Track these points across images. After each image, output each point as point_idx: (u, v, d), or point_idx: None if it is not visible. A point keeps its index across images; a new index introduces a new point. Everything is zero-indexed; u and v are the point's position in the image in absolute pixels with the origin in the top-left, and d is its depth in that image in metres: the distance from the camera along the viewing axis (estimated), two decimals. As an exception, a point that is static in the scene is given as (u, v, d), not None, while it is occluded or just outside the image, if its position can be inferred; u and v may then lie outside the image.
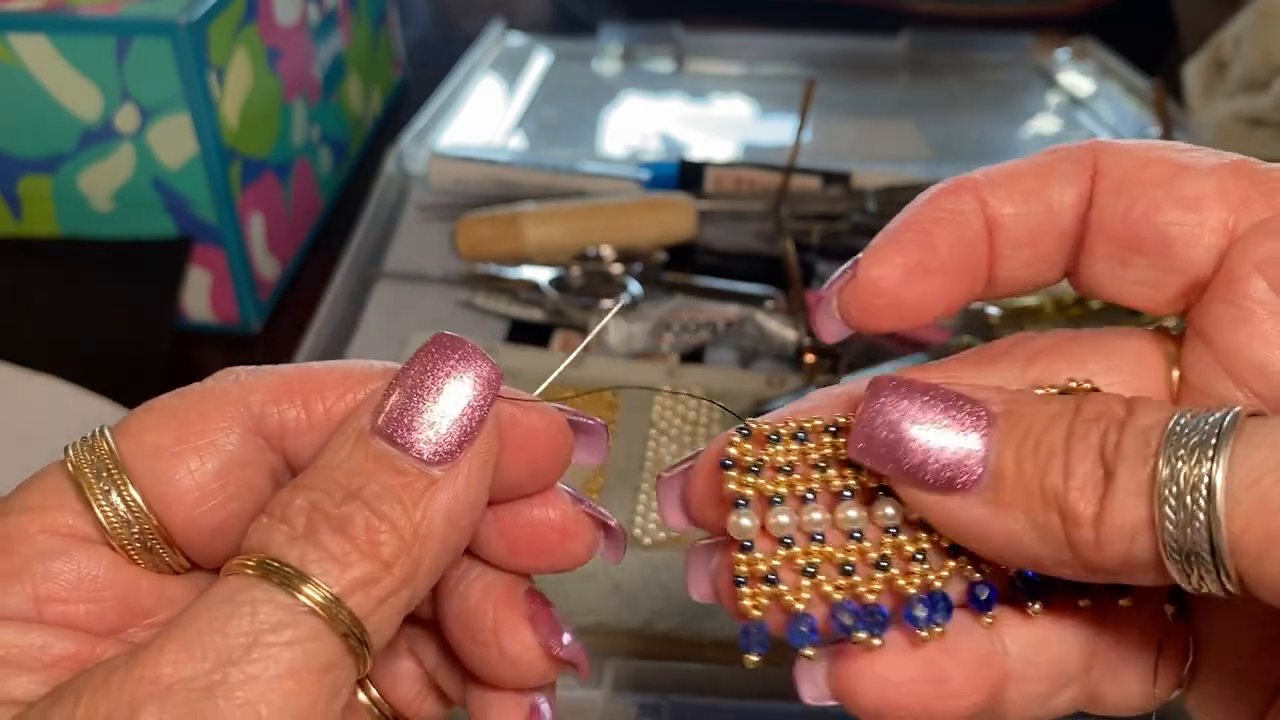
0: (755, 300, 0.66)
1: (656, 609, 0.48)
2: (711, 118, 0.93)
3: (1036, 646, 0.25)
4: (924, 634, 0.23)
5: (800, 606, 0.24)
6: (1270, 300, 0.23)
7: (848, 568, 0.24)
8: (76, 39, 0.59)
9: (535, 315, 0.66)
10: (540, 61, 0.99)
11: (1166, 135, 0.75)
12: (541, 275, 0.67)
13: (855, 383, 0.26)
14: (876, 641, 0.23)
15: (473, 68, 0.94)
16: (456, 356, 0.24)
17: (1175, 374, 0.25)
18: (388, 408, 0.24)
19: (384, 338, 0.66)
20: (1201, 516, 0.20)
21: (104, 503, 0.24)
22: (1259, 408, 0.22)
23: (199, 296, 0.67)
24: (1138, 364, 0.25)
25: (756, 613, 0.24)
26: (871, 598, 0.24)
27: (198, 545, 0.25)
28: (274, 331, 0.69)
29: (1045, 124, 0.92)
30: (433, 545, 0.23)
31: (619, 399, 0.60)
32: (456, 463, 0.23)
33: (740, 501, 0.24)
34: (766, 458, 0.25)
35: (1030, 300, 0.62)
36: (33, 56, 0.59)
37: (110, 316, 0.64)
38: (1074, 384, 0.24)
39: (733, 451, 0.25)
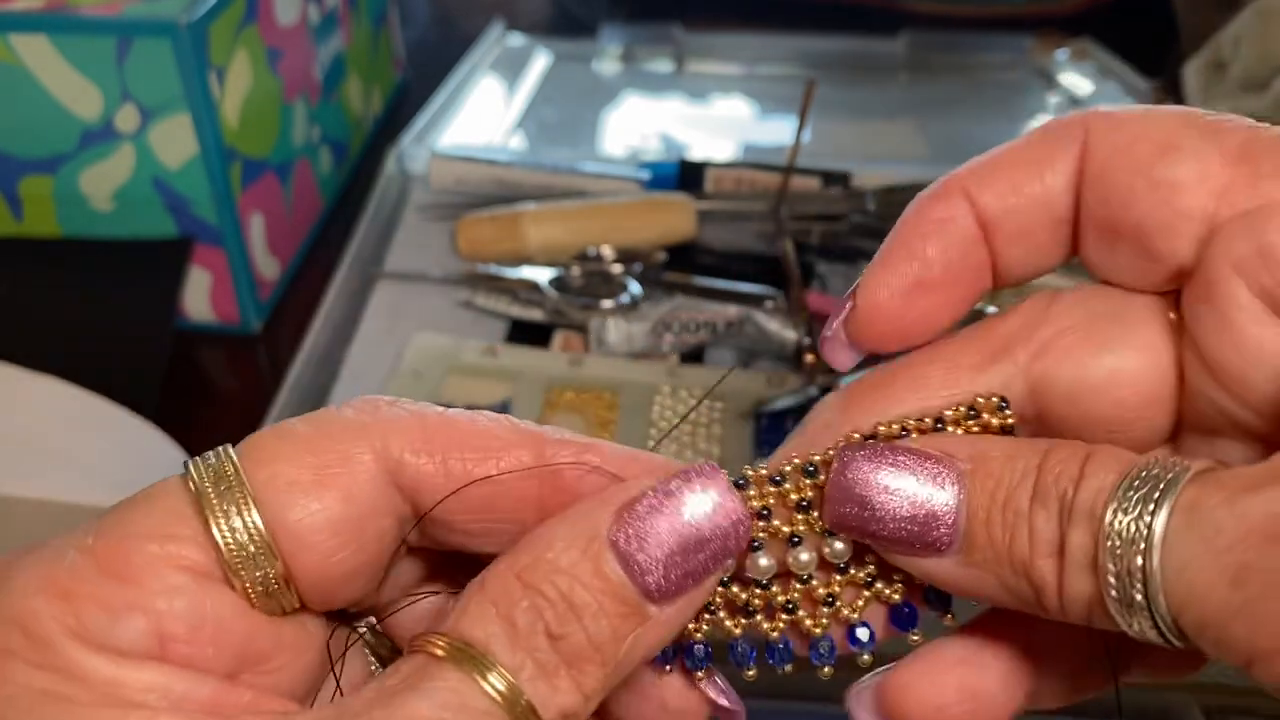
0: (755, 300, 0.66)
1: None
2: (711, 118, 0.93)
3: (1055, 653, 0.25)
4: (865, 657, 0.25)
5: (700, 635, 0.25)
6: (1251, 306, 0.22)
7: (789, 605, 0.25)
8: (77, 39, 0.59)
9: (535, 315, 0.66)
10: (540, 62, 0.99)
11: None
12: (541, 275, 0.67)
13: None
14: (751, 674, 0.25)
15: (473, 68, 0.94)
16: (715, 497, 0.23)
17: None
18: (632, 525, 0.22)
19: (384, 338, 0.66)
20: (1140, 571, 0.20)
21: (225, 530, 0.22)
22: (1209, 464, 0.21)
23: (199, 296, 0.67)
24: (1147, 348, 0.24)
25: (698, 635, 0.25)
26: (774, 634, 0.25)
27: (319, 589, 0.23)
28: (274, 331, 0.69)
29: (1045, 124, 0.92)
30: (623, 674, 0.23)
31: (619, 399, 0.60)
32: (673, 603, 0.23)
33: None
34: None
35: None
36: (33, 56, 0.59)
37: (110, 316, 0.64)
38: (981, 400, 0.24)
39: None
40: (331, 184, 0.81)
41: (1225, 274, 0.22)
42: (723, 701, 0.26)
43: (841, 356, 0.26)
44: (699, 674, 0.25)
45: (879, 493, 0.23)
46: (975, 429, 0.24)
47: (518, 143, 0.89)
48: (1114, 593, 0.20)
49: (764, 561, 0.25)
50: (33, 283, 0.65)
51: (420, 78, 0.99)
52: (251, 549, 0.22)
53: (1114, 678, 0.25)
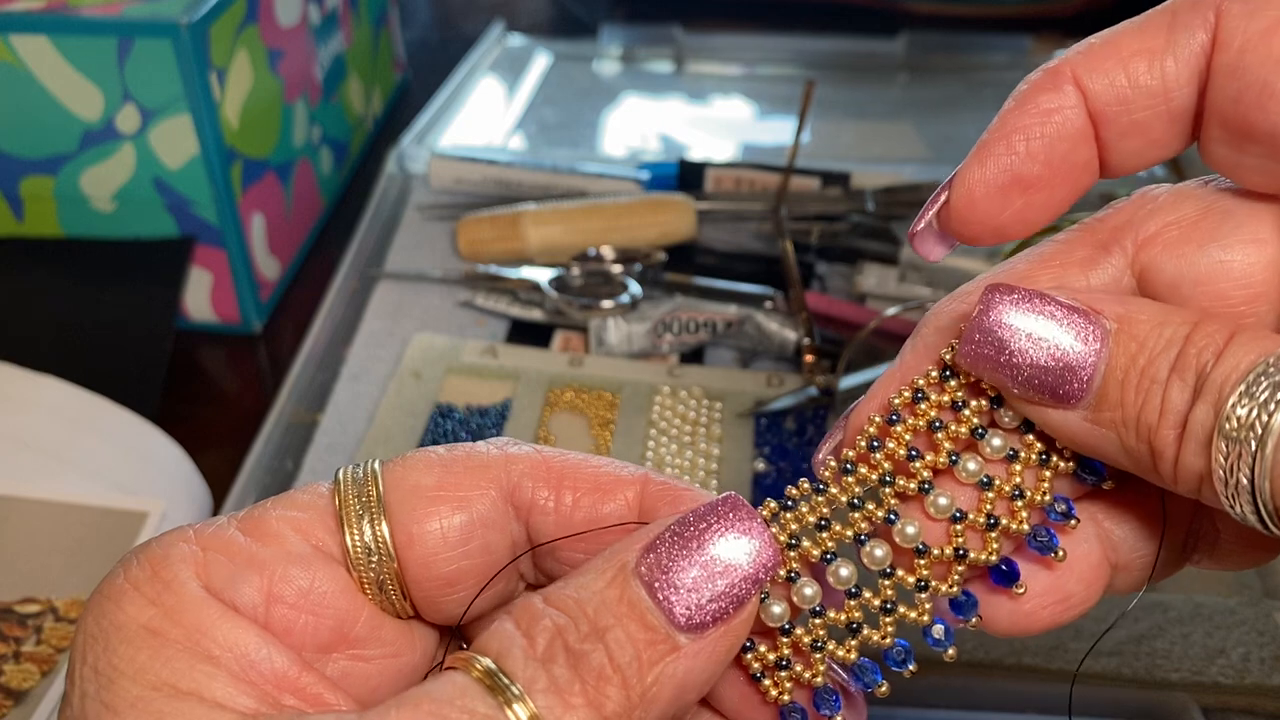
0: (755, 300, 0.66)
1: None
2: (711, 118, 0.93)
3: (1141, 536, 0.25)
4: (1057, 556, 0.24)
5: (820, 680, 0.25)
6: None
7: (853, 625, 0.25)
8: (78, 40, 0.59)
9: (535, 315, 0.66)
10: (540, 62, 0.99)
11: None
12: (541, 275, 0.67)
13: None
14: (883, 689, 0.24)
15: (473, 68, 0.94)
16: (741, 527, 0.23)
17: None
18: (657, 554, 0.22)
19: (384, 338, 0.66)
20: (1251, 457, 0.20)
21: (355, 531, 0.24)
22: None
23: (200, 296, 0.67)
24: (1256, 242, 0.23)
25: (786, 698, 0.25)
26: (886, 641, 0.25)
27: (425, 590, 0.25)
28: (275, 331, 0.69)
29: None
30: (654, 710, 0.22)
31: (619, 399, 0.60)
32: (704, 636, 0.22)
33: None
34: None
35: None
36: (34, 57, 0.59)
37: (111, 316, 0.64)
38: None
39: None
40: (332, 184, 0.81)
41: None
42: None
43: (932, 248, 0.25)
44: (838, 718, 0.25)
45: (1020, 337, 0.22)
46: None
47: (518, 143, 0.89)
48: (1221, 471, 0.20)
49: (844, 571, 0.24)
50: (33, 283, 0.65)
51: (420, 78, 0.99)
52: (372, 546, 0.24)
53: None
